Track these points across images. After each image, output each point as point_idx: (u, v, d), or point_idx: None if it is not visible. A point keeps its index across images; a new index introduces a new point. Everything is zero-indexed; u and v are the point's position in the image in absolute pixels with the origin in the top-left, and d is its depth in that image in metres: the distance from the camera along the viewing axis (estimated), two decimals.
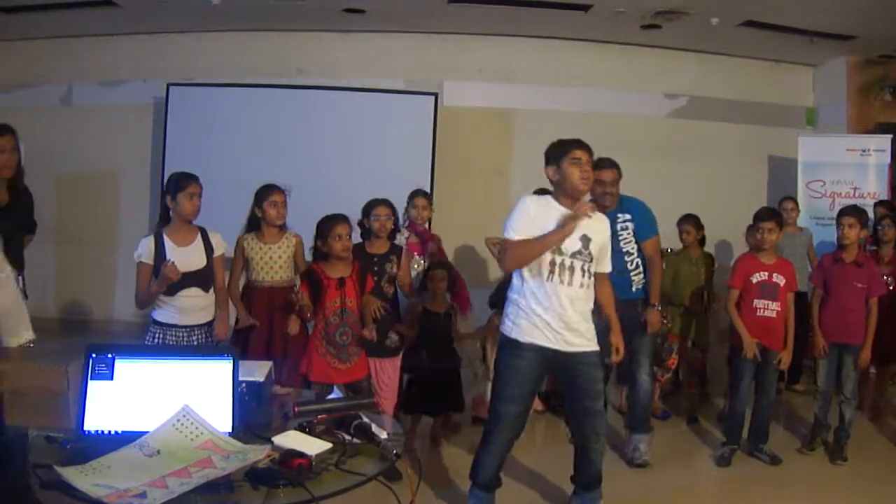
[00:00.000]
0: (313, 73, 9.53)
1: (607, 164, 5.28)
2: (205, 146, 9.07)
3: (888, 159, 8.67)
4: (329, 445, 2.72)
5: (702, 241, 7.06)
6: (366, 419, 2.93)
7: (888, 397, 7.21)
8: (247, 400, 3.05)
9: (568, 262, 4.15)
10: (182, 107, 9.32)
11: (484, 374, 6.29)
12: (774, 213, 5.73)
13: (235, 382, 2.89)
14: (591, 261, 4.23)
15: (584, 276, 4.21)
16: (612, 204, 5.36)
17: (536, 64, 9.83)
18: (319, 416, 2.95)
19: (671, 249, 6.99)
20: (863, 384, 6.33)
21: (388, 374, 5.56)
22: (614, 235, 4.99)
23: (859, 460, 5.80)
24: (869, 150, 8.71)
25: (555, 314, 4.17)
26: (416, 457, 3.05)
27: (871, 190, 8.57)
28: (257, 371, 3.28)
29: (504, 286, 6.12)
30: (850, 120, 9.86)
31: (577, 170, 4.13)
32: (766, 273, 5.57)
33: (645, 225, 5.48)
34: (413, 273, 5.87)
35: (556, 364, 4.29)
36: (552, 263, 4.14)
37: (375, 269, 5.42)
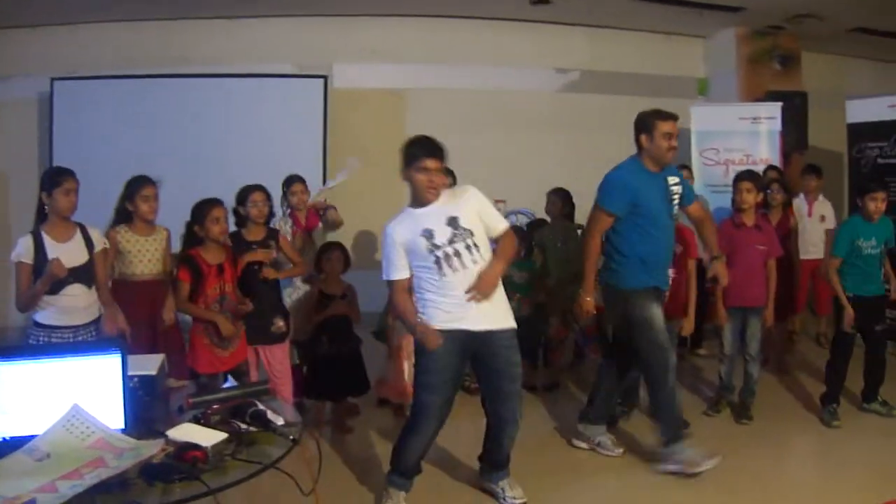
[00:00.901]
0: (199, 61, 9.27)
1: (672, 116, 5.04)
2: (92, 141, 8.81)
3: (779, 126, 8.79)
4: (225, 436, 2.64)
5: (569, 215, 7.05)
6: (262, 406, 2.88)
7: (791, 354, 7.47)
8: (139, 395, 2.97)
9: (450, 250, 4.13)
10: (67, 102, 9.03)
11: (386, 354, 6.17)
12: None
13: (125, 377, 2.79)
14: (472, 234, 4.18)
15: (471, 252, 4.17)
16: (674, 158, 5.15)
17: (427, 43, 9.75)
18: (214, 407, 2.87)
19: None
20: (766, 343, 6.40)
21: (278, 360, 5.47)
22: (669, 199, 5.00)
23: (764, 419, 5.88)
24: (760, 118, 8.78)
25: (458, 301, 4.15)
26: (317, 443, 2.89)
27: (763, 156, 8.63)
28: (149, 364, 3.20)
29: None
30: (741, 89, 10.03)
31: (425, 178, 4.13)
32: None
33: (687, 188, 5.34)
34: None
35: (474, 346, 4.24)
36: (436, 261, 4.14)
37: None
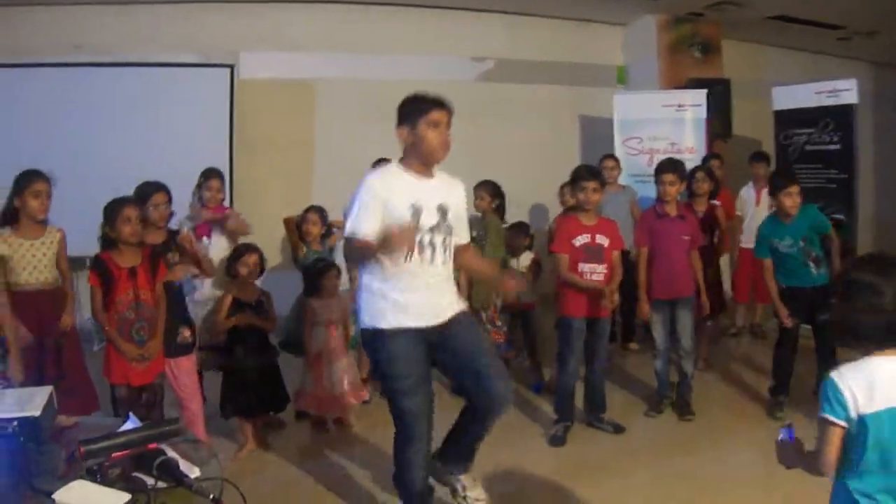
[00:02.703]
0: (94, 49, 8.68)
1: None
2: None
3: (704, 114, 8.70)
4: (127, 497, 2.15)
5: (499, 209, 6.64)
6: (172, 453, 2.40)
7: (721, 346, 7.42)
8: (21, 442, 2.38)
9: (427, 237, 3.68)
10: None
11: (304, 363, 5.69)
12: (596, 172, 5.46)
13: None
14: (451, 234, 3.78)
15: (445, 251, 3.77)
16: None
17: (337, 31, 9.40)
18: (114, 456, 2.35)
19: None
20: (698, 336, 6.20)
21: (185, 373, 5.01)
22: None
23: (707, 415, 5.73)
24: (685, 106, 8.70)
25: (417, 294, 3.70)
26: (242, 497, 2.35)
27: (689, 144, 8.56)
28: (31, 401, 2.61)
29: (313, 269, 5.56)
30: (662, 77, 9.88)
31: (435, 133, 3.66)
32: (589, 235, 5.28)
33: None
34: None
35: (432, 339, 3.76)
36: None
37: None
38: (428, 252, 3.68)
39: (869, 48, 11.29)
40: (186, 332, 4.98)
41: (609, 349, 5.94)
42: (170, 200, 5.00)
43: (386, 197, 3.62)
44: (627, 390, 6.38)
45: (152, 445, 2.43)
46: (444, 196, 3.75)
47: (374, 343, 3.78)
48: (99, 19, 8.70)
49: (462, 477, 4.07)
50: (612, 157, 7.59)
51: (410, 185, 3.68)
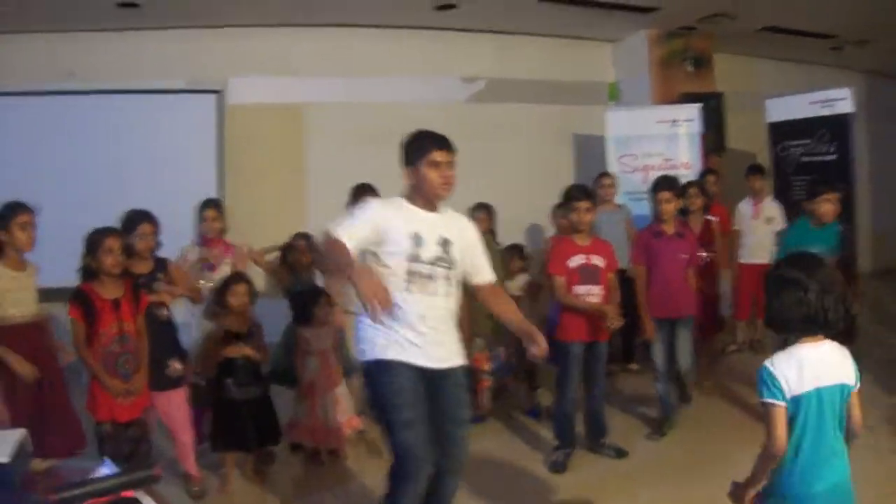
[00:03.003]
0: (85, 76, 8.61)
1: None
2: None
3: (698, 128, 8.63)
4: None
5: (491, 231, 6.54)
6: (148, 501, 2.29)
7: (722, 364, 7.35)
8: None
9: (426, 269, 3.60)
10: None
11: (296, 393, 5.55)
12: (588, 192, 5.35)
13: None
14: (454, 268, 3.68)
15: (448, 285, 3.67)
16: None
17: (325, 55, 9.32)
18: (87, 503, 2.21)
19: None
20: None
21: (176, 408, 4.93)
22: None
23: (711, 436, 5.64)
24: (679, 121, 8.61)
25: (411, 329, 3.58)
26: None
27: (684, 160, 8.50)
28: (2, 445, 2.48)
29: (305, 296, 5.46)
30: (654, 93, 9.81)
31: (436, 174, 3.61)
32: (584, 256, 5.19)
33: None
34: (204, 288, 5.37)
35: (424, 379, 3.63)
36: (409, 273, 3.58)
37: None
38: (430, 284, 3.59)
39: (861, 57, 11.25)
40: (177, 365, 4.88)
41: (608, 370, 5.82)
42: (157, 230, 4.89)
43: (384, 221, 3.58)
44: (628, 413, 6.24)
45: (127, 493, 2.31)
46: (447, 230, 3.68)
47: (374, 373, 3.66)
48: (90, 46, 8.65)
49: None
50: (608, 174, 7.50)
51: (413, 216, 3.64)
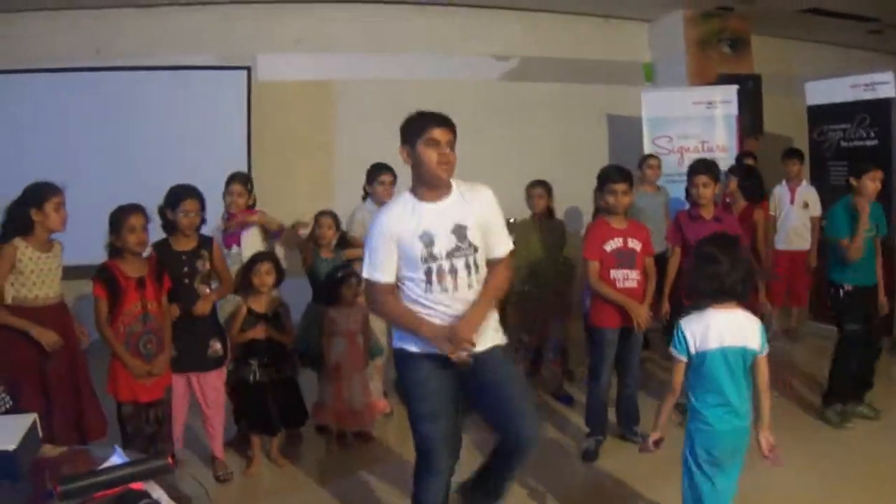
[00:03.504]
0: (114, 53, 8.55)
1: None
2: (4, 141, 8.13)
3: (735, 110, 8.51)
4: None
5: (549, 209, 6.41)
6: (156, 496, 2.17)
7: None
8: None
9: (446, 265, 3.47)
10: None
11: (322, 375, 5.46)
12: (626, 173, 5.17)
13: None
14: (476, 251, 3.54)
15: (470, 273, 3.51)
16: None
17: (356, 31, 9.21)
18: (93, 497, 2.13)
19: (514, 220, 6.28)
20: None
21: (213, 388, 4.87)
22: None
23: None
24: (715, 102, 8.50)
25: (442, 320, 3.48)
26: None
27: (720, 142, 8.39)
28: (9, 432, 2.39)
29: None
30: (690, 74, 9.67)
31: (434, 153, 3.45)
32: (621, 239, 5.03)
33: None
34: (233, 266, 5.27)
35: (462, 371, 3.54)
36: (427, 273, 3.47)
37: (185, 268, 4.75)
38: (450, 279, 3.47)
39: None
40: (217, 345, 4.81)
41: (642, 357, 5.73)
42: (202, 207, 4.79)
43: (398, 232, 3.49)
44: (658, 399, 6.09)
45: (137, 485, 2.21)
46: (460, 214, 3.52)
47: (402, 364, 3.64)
48: (120, 24, 8.58)
49: None
50: (654, 156, 7.36)
51: (420, 214, 3.49)
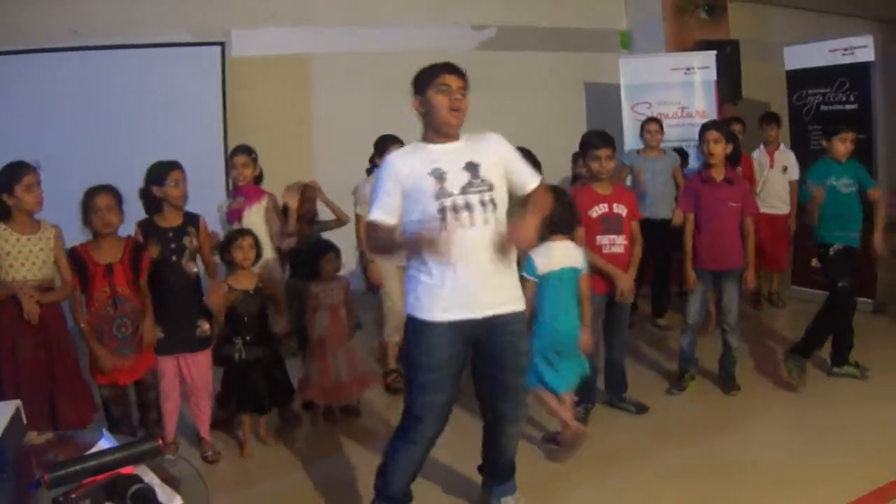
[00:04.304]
0: (85, 33, 8.39)
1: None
2: None
3: (714, 76, 8.50)
4: None
5: None
6: (148, 479, 2.11)
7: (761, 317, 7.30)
8: None
9: (461, 200, 3.41)
10: None
11: (307, 351, 5.44)
12: (608, 138, 5.13)
13: None
14: (492, 189, 3.48)
15: (487, 210, 3.45)
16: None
17: (331, 4, 9.16)
18: (82, 483, 2.06)
19: None
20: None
21: (200, 370, 4.81)
22: None
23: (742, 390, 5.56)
24: (693, 68, 8.50)
25: (458, 271, 3.41)
26: None
27: (699, 108, 8.39)
28: None
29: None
30: (667, 40, 9.67)
31: (446, 98, 3.43)
32: (606, 205, 5.02)
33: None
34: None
35: (476, 334, 3.53)
36: (441, 210, 3.40)
37: (172, 245, 4.67)
38: (465, 215, 3.39)
39: (878, 5, 10.97)
40: (205, 325, 4.75)
41: (631, 321, 5.75)
42: (185, 178, 4.73)
43: (406, 173, 3.47)
44: (650, 368, 6.15)
45: (127, 470, 2.15)
46: (470, 152, 3.49)
47: (412, 328, 3.60)
48: (92, 2, 8.41)
49: (504, 498, 3.95)
50: (655, 119, 7.34)
51: (430, 153, 3.47)
